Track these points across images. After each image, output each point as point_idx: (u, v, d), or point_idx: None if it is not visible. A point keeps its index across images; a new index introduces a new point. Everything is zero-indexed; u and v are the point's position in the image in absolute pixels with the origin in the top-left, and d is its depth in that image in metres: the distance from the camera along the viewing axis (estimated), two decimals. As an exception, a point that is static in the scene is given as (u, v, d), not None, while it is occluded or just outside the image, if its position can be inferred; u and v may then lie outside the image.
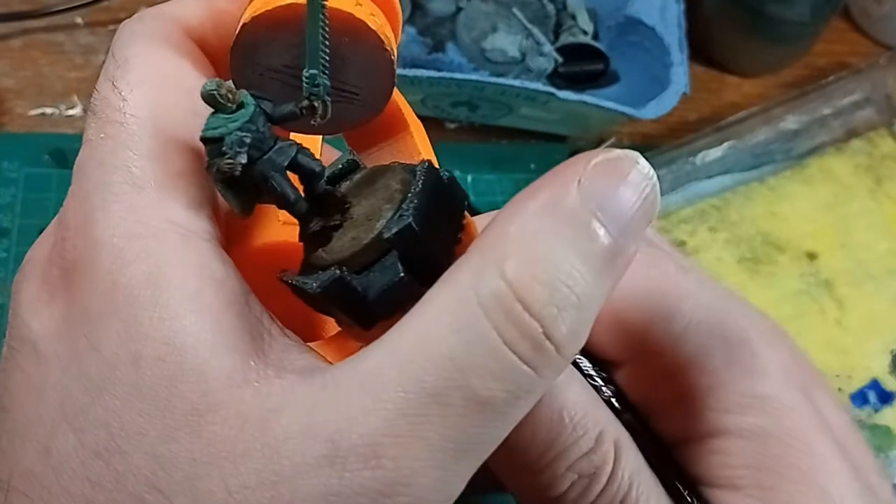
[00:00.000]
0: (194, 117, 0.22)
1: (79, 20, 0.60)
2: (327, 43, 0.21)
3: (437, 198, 0.21)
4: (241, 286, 0.21)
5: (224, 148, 0.20)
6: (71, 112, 0.55)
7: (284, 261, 0.23)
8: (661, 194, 0.20)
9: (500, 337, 0.18)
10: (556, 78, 0.61)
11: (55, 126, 0.55)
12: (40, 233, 0.23)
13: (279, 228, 0.27)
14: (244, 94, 0.21)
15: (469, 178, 0.58)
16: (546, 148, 0.60)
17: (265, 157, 0.21)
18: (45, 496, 0.19)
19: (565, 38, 0.62)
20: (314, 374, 0.19)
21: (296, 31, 0.22)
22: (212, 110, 0.20)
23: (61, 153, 0.53)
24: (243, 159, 0.20)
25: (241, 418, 0.19)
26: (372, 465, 0.18)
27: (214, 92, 0.20)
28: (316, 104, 0.21)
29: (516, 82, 0.53)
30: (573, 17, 0.63)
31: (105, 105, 0.22)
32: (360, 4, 0.23)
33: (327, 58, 0.21)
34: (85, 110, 0.56)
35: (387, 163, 0.23)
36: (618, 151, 0.19)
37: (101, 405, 0.19)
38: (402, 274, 0.20)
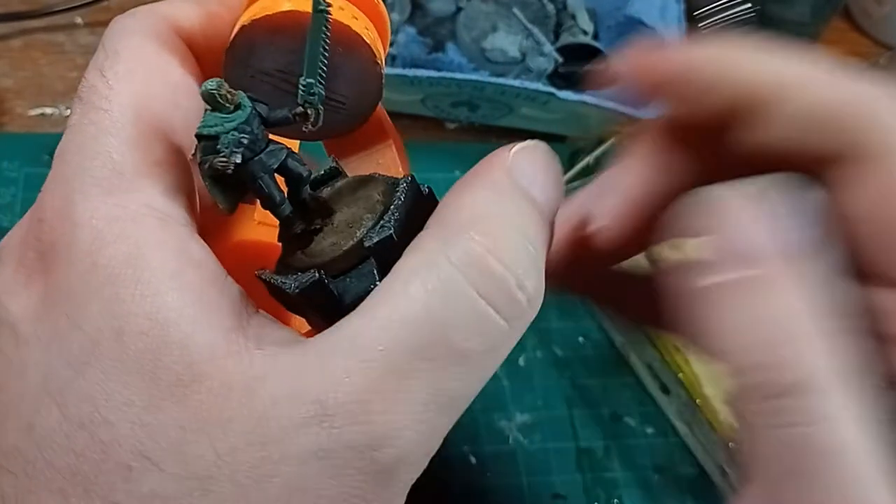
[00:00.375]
0: (175, 110, 0.23)
1: (79, 20, 0.60)
2: (327, 54, 0.22)
3: (417, 211, 0.22)
4: (219, 267, 0.21)
5: (219, 146, 0.20)
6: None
7: (258, 259, 0.24)
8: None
9: (476, 292, 0.20)
10: (556, 78, 0.61)
11: (55, 126, 0.55)
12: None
13: (254, 227, 0.27)
14: (242, 96, 0.21)
15: (469, 178, 0.58)
16: (546, 148, 0.60)
17: (256, 158, 0.21)
18: (29, 470, 0.19)
19: (565, 38, 0.62)
20: (294, 345, 0.20)
21: (292, 38, 0.23)
22: (207, 108, 0.21)
23: (61, 153, 0.53)
24: (238, 159, 0.20)
25: (226, 387, 0.19)
26: (360, 421, 0.19)
27: (215, 91, 0.20)
28: (309, 112, 0.22)
29: (516, 82, 0.53)
30: (573, 17, 0.63)
31: (91, 92, 0.22)
32: (356, 18, 0.24)
33: (325, 68, 0.22)
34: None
35: (366, 172, 0.24)
36: (529, 141, 0.23)
37: (85, 379, 0.19)
38: (378, 282, 0.21)
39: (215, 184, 0.21)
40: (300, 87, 0.22)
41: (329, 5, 0.22)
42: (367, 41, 0.23)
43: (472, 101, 0.57)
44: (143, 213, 0.21)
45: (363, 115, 0.25)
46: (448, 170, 0.58)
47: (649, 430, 0.52)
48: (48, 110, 0.55)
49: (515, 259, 0.21)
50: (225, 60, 0.24)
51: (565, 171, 0.58)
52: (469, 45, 0.61)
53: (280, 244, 0.24)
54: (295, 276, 0.21)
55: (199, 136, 0.21)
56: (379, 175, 0.23)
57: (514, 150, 0.22)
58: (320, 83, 0.22)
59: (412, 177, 0.23)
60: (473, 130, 0.61)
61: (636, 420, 0.52)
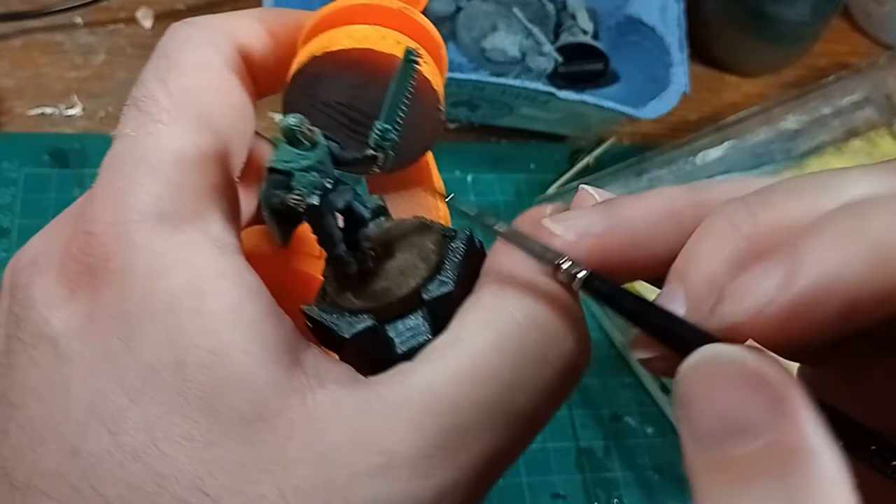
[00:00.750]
0: (233, 132, 0.22)
1: (78, 20, 0.60)
2: (408, 103, 0.22)
3: (471, 265, 0.22)
4: (272, 299, 0.21)
5: (293, 183, 0.20)
6: (70, 112, 0.55)
7: (297, 289, 0.24)
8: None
9: (541, 351, 0.20)
10: (556, 78, 0.61)
11: (55, 126, 0.55)
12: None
13: (288, 255, 0.27)
14: (318, 134, 0.21)
15: (469, 177, 0.58)
16: (546, 148, 0.60)
17: (325, 196, 0.21)
18: (74, 498, 0.19)
19: (565, 38, 0.62)
20: (355, 386, 0.20)
21: (359, 74, 0.23)
22: (282, 141, 0.20)
23: (61, 153, 0.53)
24: (315, 201, 0.20)
25: (290, 426, 0.19)
26: (424, 475, 0.19)
27: (296, 128, 0.20)
28: (379, 156, 0.22)
29: (516, 82, 0.53)
30: (573, 17, 0.63)
31: (151, 103, 0.22)
32: (427, 64, 0.24)
33: (403, 116, 0.22)
34: (84, 110, 0.56)
35: (403, 211, 0.24)
36: (558, 203, 0.23)
37: (141, 409, 0.19)
38: (430, 335, 0.21)
39: (274, 217, 0.21)
40: (376, 131, 0.21)
41: (419, 55, 0.21)
42: (435, 87, 0.24)
43: (472, 101, 0.57)
44: (202, 239, 0.20)
45: (414, 157, 0.25)
46: (448, 170, 0.58)
47: (649, 430, 0.52)
48: (48, 110, 0.55)
49: (576, 318, 0.21)
50: (289, 86, 0.23)
51: (565, 172, 0.58)
52: (469, 44, 0.61)
53: (322, 279, 0.23)
54: (346, 319, 0.21)
55: (272, 170, 0.20)
56: (433, 222, 0.23)
57: (549, 211, 0.22)
58: (396, 129, 0.22)
59: (472, 232, 0.23)
60: (473, 130, 0.61)
61: (636, 420, 0.52)
